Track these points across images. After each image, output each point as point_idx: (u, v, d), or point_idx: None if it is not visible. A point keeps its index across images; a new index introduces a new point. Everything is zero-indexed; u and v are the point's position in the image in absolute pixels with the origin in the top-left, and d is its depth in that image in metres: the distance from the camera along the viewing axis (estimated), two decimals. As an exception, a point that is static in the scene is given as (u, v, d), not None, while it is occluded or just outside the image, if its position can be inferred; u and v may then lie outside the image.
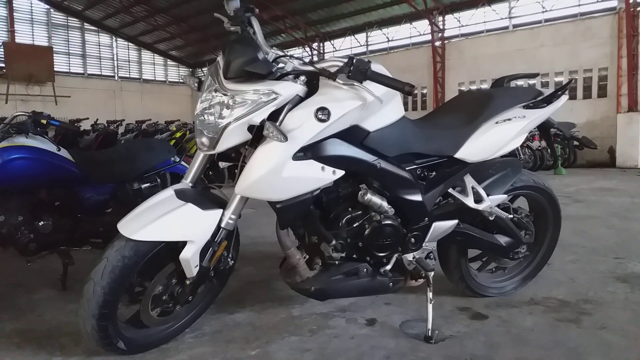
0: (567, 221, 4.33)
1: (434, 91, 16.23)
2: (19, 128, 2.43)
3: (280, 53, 1.84)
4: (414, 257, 2.14)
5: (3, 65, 18.48)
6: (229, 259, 1.99)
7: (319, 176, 1.80)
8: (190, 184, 1.92)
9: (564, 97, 2.28)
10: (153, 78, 24.86)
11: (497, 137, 2.12)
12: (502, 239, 2.33)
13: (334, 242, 1.98)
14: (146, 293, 1.83)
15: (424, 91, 16.90)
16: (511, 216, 2.35)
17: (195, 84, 1.91)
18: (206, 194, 1.92)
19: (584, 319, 2.23)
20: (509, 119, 2.13)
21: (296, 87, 1.72)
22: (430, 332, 2.04)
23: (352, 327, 2.21)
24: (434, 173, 2.13)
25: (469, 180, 2.16)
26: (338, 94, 1.75)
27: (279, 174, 1.71)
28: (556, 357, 1.89)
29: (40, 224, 2.63)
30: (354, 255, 2.07)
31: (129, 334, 1.87)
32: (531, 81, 11.57)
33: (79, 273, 2.86)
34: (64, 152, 2.72)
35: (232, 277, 2.32)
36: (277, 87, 1.69)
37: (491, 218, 2.21)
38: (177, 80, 25.36)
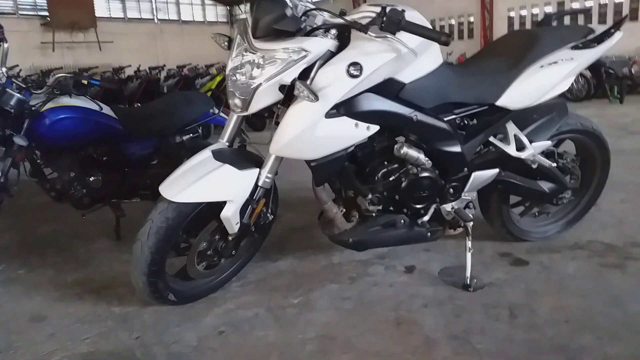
0: (620, 156, 4.17)
1: (482, 18, 15.41)
2: (62, 90, 2.50)
3: (311, 5, 1.78)
4: (452, 208, 2.13)
5: (47, 13, 18.76)
6: (268, 214, 2.04)
7: (352, 133, 1.79)
8: (227, 144, 1.95)
9: (618, 34, 2.12)
10: (192, 19, 24.66)
11: (542, 82, 2.02)
12: (546, 185, 2.27)
13: (370, 196, 1.99)
14: (191, 249, 1.92)
15: (471, 19, 16.05)
16: (555, 164, 2.27)
17: (226, 42, 1.89)
18: (243, 152, 1.94)
19: (630, 265, 2.19)
20: (555, 62, 2.01)
21: (326, 43, 1.68)
22: (468, 280, 2.06)
23: (390, 274, 2.25)
24: (474, 121, 2.06)
25: (511, 128, 2.09)
26: (370, 47, 1.70)
27: (312, 133, 1.71)
28: (597, 305, 1.88)
29: (91, 179, 2.76)
30: (391, 208, 2.07)
31: (178, 287, 1.99)
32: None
33: (132, 223, 3.02)
34: (107, 110, 2.80)
35: (275, 223, 2.37)
36: (307, 44, 1.65)
37: (534, 166, 2.15)
38: (215, 20, 25.06)
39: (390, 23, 1.59)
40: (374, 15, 1.63)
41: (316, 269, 2.36)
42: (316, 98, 1.60)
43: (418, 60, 1.82)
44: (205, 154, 1.85)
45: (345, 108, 1.75)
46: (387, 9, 1.60)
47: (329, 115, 1.72)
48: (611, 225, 2.66)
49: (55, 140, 2.61)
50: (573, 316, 1.81)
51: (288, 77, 1.66)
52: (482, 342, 1.69)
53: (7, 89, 2.42)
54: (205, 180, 1.75)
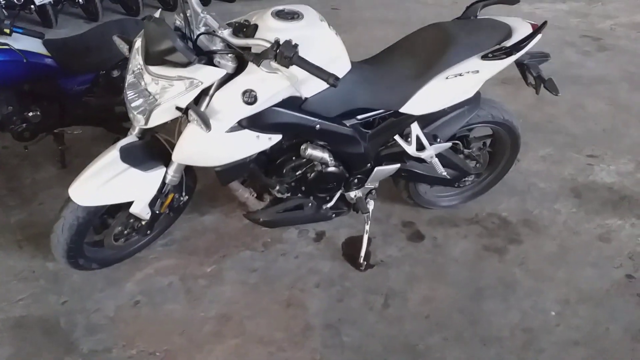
0: (573, 87, 4.24)
1: None
2: (-18, 40, 2.45)
3: (212, 23, 1.75)
4: (355, 195, 2.31)
5: None
6: (181, 198, 2.21)
7: (254, 144, 1.88)
8: (137, 137, 2.03)
9: (535, 39, 2.10)
10: None
11: (445, 93, 2.06)
12: (448, 172, 2.42)
13: (277, 187, 2.15)
14: (107, 232, 2.13)
15: None
16: (462, 155, 2.41)
17: (126, 48, 1.88)
18: (151, 148, 2.00)
19: (510, 250, 2.46)
20: (460, 74, 2.03)
21: (219, 72, 1.69)
22: (362, 259, 2.34)
23: (301, 242, 2.51)
24: (380, 122, 2.14)
25: (415, 128, 2.17)
26: (265, 74, 1.72)
27: (211, 148, 1.81)
28: (461, 298, 2.19)
29: (29, 114, 2.84)
30: (299, 194, 2.25)
31: (100, 255, 2.23)
32: None
33: (75, 149, 3.18)
34: (38, 46, 2.77)
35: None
36: (199, 74, 1.66)
37: (430, 165, 2.28)
38: None
39: (282, 58, 1.60)
40: (268, 45, 1.63)
41: (238, 228, 2.59)
42: (208, 128, 1.66)
43: (319, 75, 1.84)
44: (114, 153, 1.94)
45: (246, 122, 1.81)
46: (281, 42, 1.59)
47: (229, 129, 1.80)
48: (518, 193, 2.88)
49: (-14, 82, 2.64)
50: (435, 310, 2.13)
51: (182, 103, 1.70)
52: (349, 335, 2.02)
53: None
54: (111, 184, 1.88)
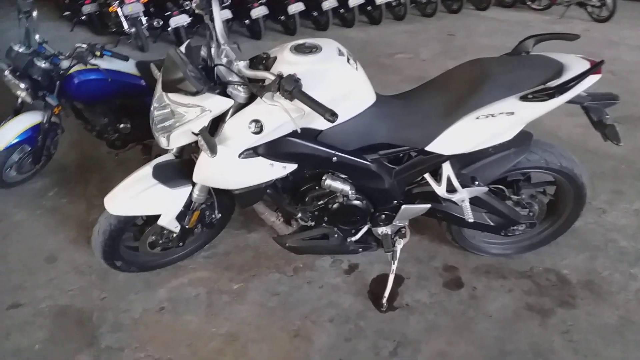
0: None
1: None
2: (78, 60, 2.81)
3: (230, 55, 1.83)
4: (382, 232, 2.22)
5: None
6: (213, 215, 2.31)
7: (268, 172, 1.91)
8: (174, 155, 2.18)
9: (590, 79, 1.84)
10: None
11: (476, 133, 1.89)
12: (492, 218, 2.22)
13: (300, 215, 2.16)
14: (141, 240, 2.30)
15: None
16: (509, 201, 2.20)
17: (159, 75, 2.03)
18: (182, 167, 2.13)
19: (557, 314, 2.17)
20: (492, 115, 1.85)
21: (227, 102, 1.75)
22: (385, 299, 2.23)
23: (330, 272, 2.47)
24: (408, 158, 2.05)
25: (446, 169, 2.03)
26: (271, 105, 1.74)
27: (225, 172, 1.87)
28: (479, 360, 1.98)
29: (120, 126, 3.20)
30: (323, 224, 2.22)
31: (140, 260, 2.42)
32: None
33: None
34: (130, 66, 3.11)
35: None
36: (208, 102, 1.74)
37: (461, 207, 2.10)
38: None
39: (284, 91, 1.62)
40: (273, 78, 1.66)
41: (275, 250, 2.61)
42: (213, 154, 1.73)
43: (336, 109, 1.81)
44: (147, 169, 2.11)
45: (261, 149, 1.86)
46: (282, 78, 1.61)
47: (243, 155, 1.86)
48: (590, 249, 2.53)
49: (83, 97, 3.04)
50: (446, 367, 1.95)
51: (195, 128, 1.80)
52: (345, 377, 1.93)
53: (35, 60, 2.80)
54: (139, 198, 2.04)
